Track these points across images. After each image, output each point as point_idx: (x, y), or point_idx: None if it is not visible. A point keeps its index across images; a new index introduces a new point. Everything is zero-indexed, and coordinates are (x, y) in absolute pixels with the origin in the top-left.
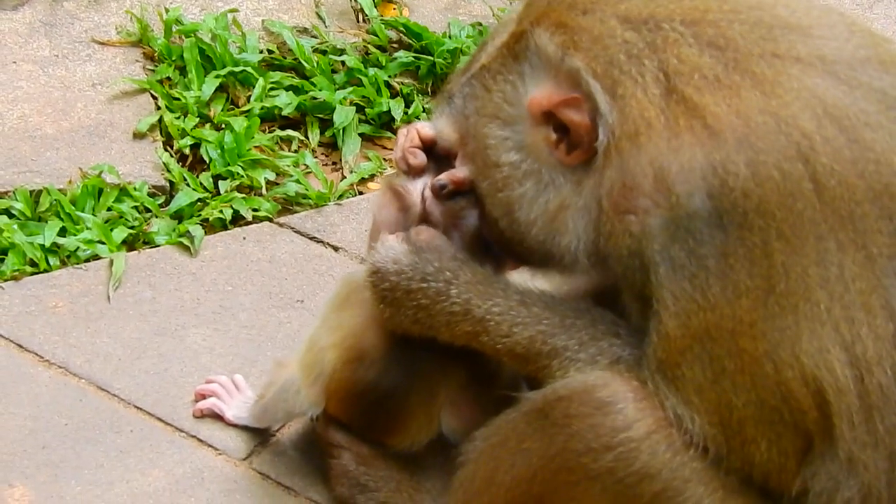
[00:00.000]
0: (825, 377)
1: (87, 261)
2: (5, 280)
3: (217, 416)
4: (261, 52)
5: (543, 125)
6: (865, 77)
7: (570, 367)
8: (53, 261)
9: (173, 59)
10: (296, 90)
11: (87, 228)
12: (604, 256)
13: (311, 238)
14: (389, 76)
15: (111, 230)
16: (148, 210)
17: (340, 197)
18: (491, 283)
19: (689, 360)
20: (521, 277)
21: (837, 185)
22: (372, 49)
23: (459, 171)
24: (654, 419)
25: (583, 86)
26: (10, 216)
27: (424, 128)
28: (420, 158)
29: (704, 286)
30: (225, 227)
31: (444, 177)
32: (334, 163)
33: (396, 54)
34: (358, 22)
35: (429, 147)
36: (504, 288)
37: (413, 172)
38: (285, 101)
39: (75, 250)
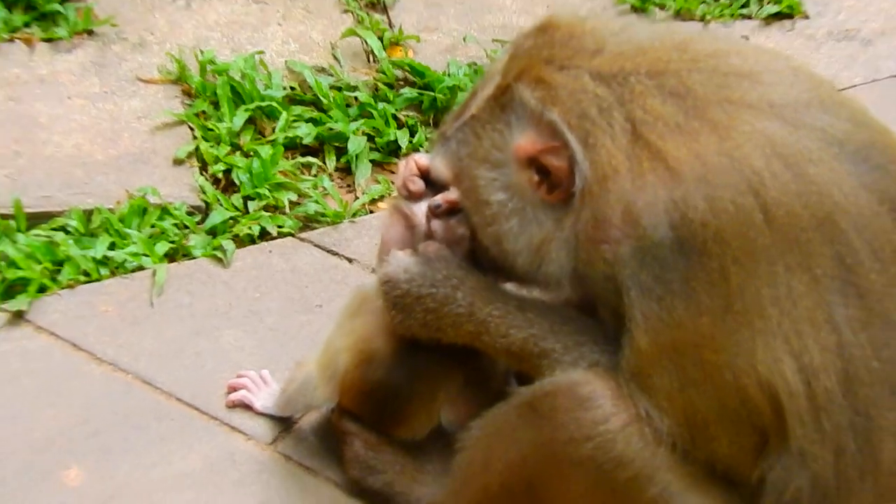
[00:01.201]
0: (778, 382)
1: (133, 271)
2: (62, 288)
3: (246, 407)
4: (284, 88)
5: (527, 169)
6: (808, 118)
7: (556, 367)
8: (104, 271)
9: (208, 94)
10: (315, 122)
11: (133, 243)
12: (583, 280)
13: (329, 251)
14: (396, 110)
15: (154, 244)
16: (186, 227)
17: (354, 215)
18: (492, 289)
19: (659, 371)
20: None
21: (785, 215)
22: (381, 86)
23: (452, 193)
24: (629, 415)
25: (559, 136)
26: (67, 232)
27: (422, 158)
28: (418, 185)
29: (670, 306)
30: (253, 242)
31: (439, 197)
32: (348, 185)
33: (402, 90)
34: (369, 62)
35: (426, 175)
36: (503, 294)
37: (413, 197)
38: (306, 132)
39: (123, 262)
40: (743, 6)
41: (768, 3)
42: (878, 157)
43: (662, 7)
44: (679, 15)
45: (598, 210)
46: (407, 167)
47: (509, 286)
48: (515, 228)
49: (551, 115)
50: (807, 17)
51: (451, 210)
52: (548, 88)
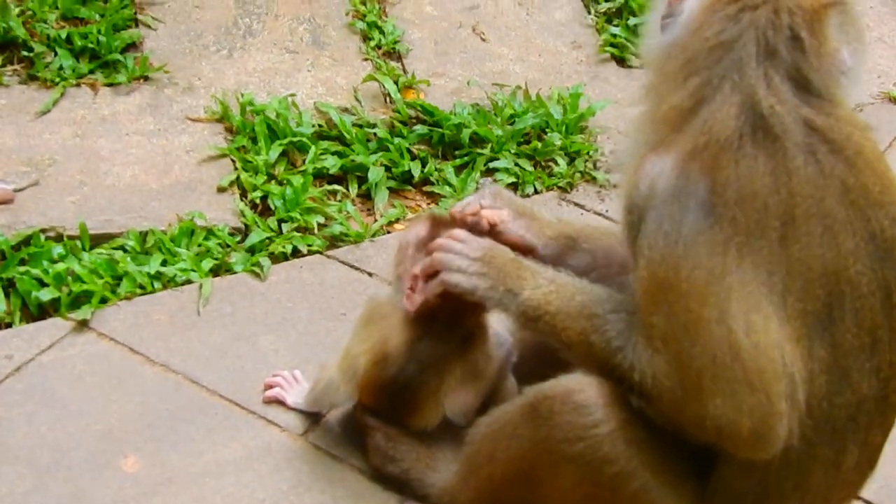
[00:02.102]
0: (777, 356)
1: (182, 285)
2: (121, 300)
3: (281, 402)
4: (313, 126)
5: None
6: (863, 202)
7: (595, 331)
8: (157, 285)
9: (247, 131)
10: (339, 155)
11: (182, 260)
12: (624, 199)
13: (352, 266)
14: (410, 144)
15: (200, 261)
16: (228, 246)
17: (373, 235)
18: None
19: (657, 309)
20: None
21: (801, 248)
22: (397, 124)
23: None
24: (617, 421)
25: None
26: (125, 251)
27: (496, 214)
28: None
29: (673, 245)
30: (286, 259)
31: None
32: (368, 209)
33: (415, 127)
34: (386, 103)
35: (488, 226)
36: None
37: (439, 223)
38: (332, 163)
39: (173, 277)
40: None
41: None
42: (895, 253)
43: (638, 56)
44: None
45: (672, 107)
46: (469, 207)
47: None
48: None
49: None
50: None
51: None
52: None
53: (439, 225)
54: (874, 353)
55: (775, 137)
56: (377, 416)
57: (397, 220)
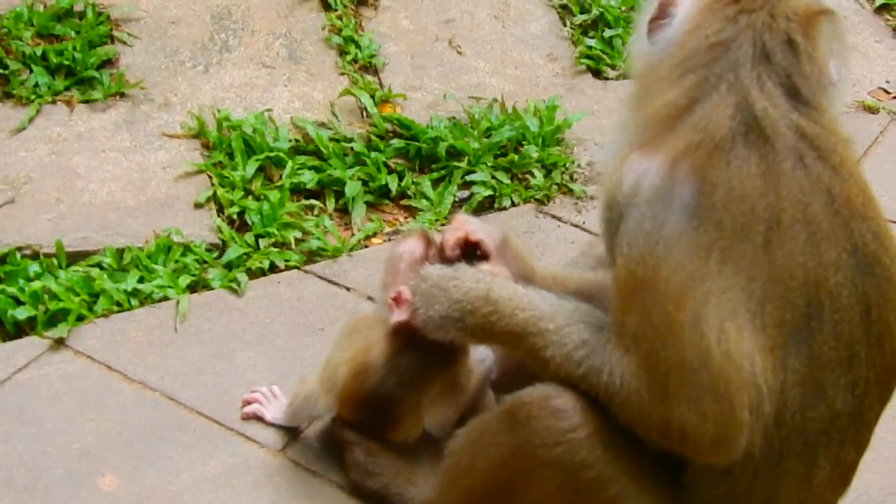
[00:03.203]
0: (746, 366)
1: (159, 301)
2: (97, 317)
3: (259, 418)
4: (290, 141)
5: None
6: (847, 213)
7: (549, 346)
8: (134, 302)
9: (224, 147)
10: (316, 170)
11: (160, 277)
12: (604, 197)
13: (330, 281)
14: (387, 158)
15: (178, 278)
16: (206, 262)
17: (351, 250)
18: (507, 283)
19: (630, 307)
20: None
21: (785, 255)
22: (373, 138)
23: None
24: (594, 426)
25: None
26: (101, 268)
27: (476, 232)
28: (455, 254)
29: (653, 245)
30: (264, 274)
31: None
32: (346, 224)
33: (392, 141)
34: (363, 117)
35: (469, 245)
36: (515, 286)
37: (444, 259)
38: (309, 178)
39: (150, 294)
40: None
41: None
42: (876, 269)
43: (614, 67)
44: (628, 76)
45: (660, 109)
46: (455, 230)
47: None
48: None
49: None
50: None
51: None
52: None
53: (432, 244)
54: (851, 367)
55: (767, 139)
56: (356, 430)
57: (375, 234)
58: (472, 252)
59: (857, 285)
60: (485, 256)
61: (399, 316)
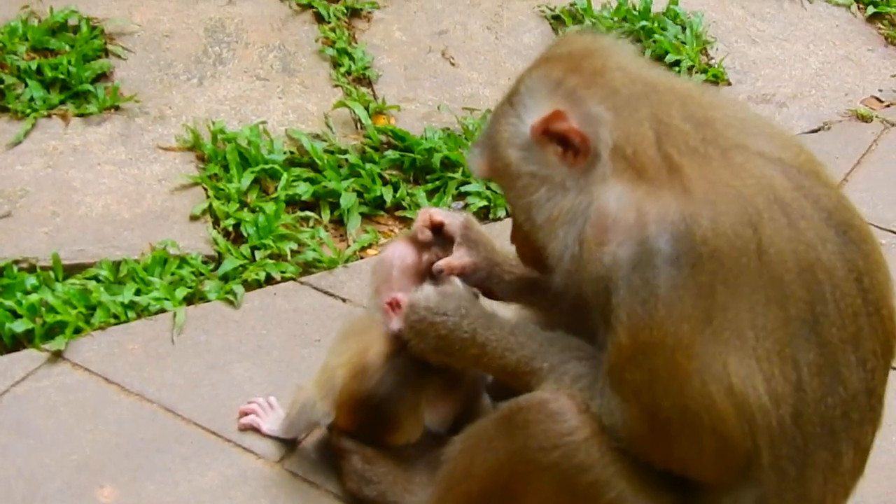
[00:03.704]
0: (751, 394)
1: (156, 314)
2: (95, 330)
3: (256, 430)
4: (284, 153)
5: (548, 143)
6: (807, 182)
7: (543, 382)
8: (131, 314)
9: (219, 159)
10: (311, 181)
11: (156, 289)
12: (578, 276)
13: (325, 292)
14: (381, 169)
15: (174, 290)
16: (202, 274)
17: (346, 261)
18: (491, 318)
19: (633, 366)
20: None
21: (775, 253)
22: (368, 149)
23: (454, 259)
24: (591, 429)
25: (581, 99)
26: (98, 281)
27: (437, 214)
28: (427, 235)
29: (654, 309)
30: (260, 286)
31: (441, 263)
32: (341, 235)
33: (386, 153)
34: (357, 129)
35: (437, 227)
36: (500, 322)
37: (421, 245)
38: (304, 190)
39: (147, 306)
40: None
41: (696, 72)
42: (853, 233)
43: None
44: None
45: (613, 204)
46: (422, 218)
47: (508, 316)
48: (543, 198)
49: (570, 80)
50: (729, 84)
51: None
52: (571, 66)
53: (423, 248)
54: (858, 343)
55: (694, 151)
56: (353, 438)
57: (370, 246)
58: (441, 235)
59: (843, 254)
60: (450, 238)
61: (396, 325)
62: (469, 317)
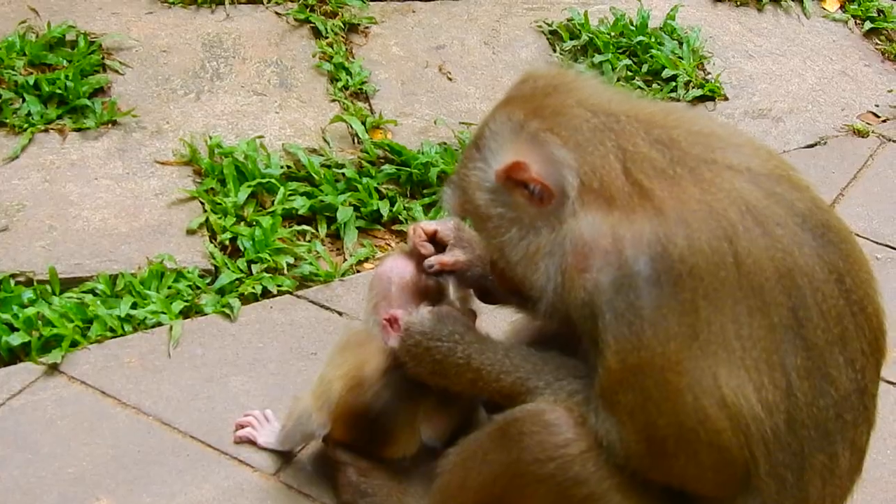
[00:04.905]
0: (743, 405)
1: (152, 327)
2: (91, 343)
3: (252, 442)
4: (281, 167)
5: (515, 187)
6: (779, 189)
7: (539, 399)
8: (127, 328)
9: (216, 174)
10: (308, 195)
11: (153, 302)
12: (564, 303)
13: (322, 306)
14: (378, 184)
15: (171, 303)
16: (198, 288)
17: (343, 275)
18: (485, 342)
19: (625, 388)
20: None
21: (752, 263)
22: (365, 163)
23: (446, 256)
24: (587, 442)
25: (542, 143)
26: (95, 294)
27: (427, 225)
28: (429, 248)
29: (640, 331)
30: (256, 299)
31: (433, 259)
32: (338, 249)
33: (383, 167)
34: (354, 143)
35: (431, 238)
36: (495, 345)
37: (419, 260)
38: (300, 204)
39: (144, 319)
40: (672, 91)
41: (693, 87)
42: (831, 234)
43: None
44: None
45: (588, 233)
46: (416, 234)
47: (501, 338)
48: (516, 238)
49: (533, 125)
50: (726, 99)
51: (441, 271)
52: (533, 108)
53: (420, 263)
54: (846, 343)
55: (661, 171)
56: (349, 450)
57: (367, 260)
58: (436, 244)
59: (822, 256)
60: (444, 244)
61: (393, 342)
62: (463, 342)
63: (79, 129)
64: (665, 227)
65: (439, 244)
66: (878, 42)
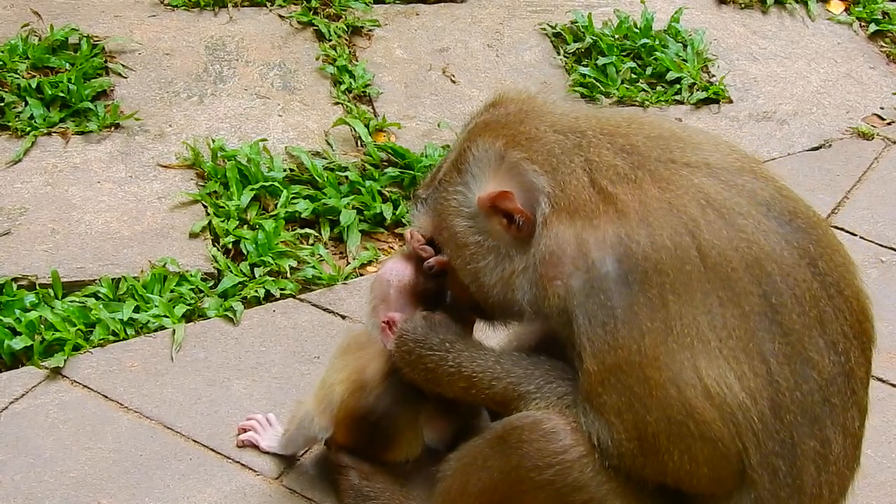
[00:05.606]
0: (728, 394)
1: (155, 331)
2: (94, 347)
3: (254, 446)
4: (284, 170)
5: (494, 215)
6: (740, 181)
7: (531, 405)
8: (130, 331)
9: (219, 177)
10: (311, 199)
11: (155, 306)
12: (543, 313)
13: (325, 309)
14: (382, 187)
15: (173, 307)
16: (201, 291)
17: (346, 278)
18: (476, 349)
19: (608, 389)
20: (494, 340)
21: (717, 255)
22: (368, 167)
23: (443, 256)
24: (585, 448)
25: (523, 173)
26: (97, 298)
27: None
28: (429, 251)
29: (614, 330)
30: (259, 303)
31: (432, 261)
32: (341, 253)
33: (386, 170)
34: (357, 146)
35: (429, 241)
36: (485, 352)
37: (418, 263)
38: (304, 207)
39: (146, 323)
40: (676, 94)
41: (698, 90)
42: (799, 221)
43: (607, 95)
44: (622, 102)
45: (556, 243)
46: (413, 237)
47: (491, 344)
48: (492, 264)
49: (514, 154)
50: (731, 102)
51: (441, 271)
52: (510, 136)
53: (419, 265)
54: (824, 327)
55: (624, 176)
56: (351, 454)
57: (370, 263)
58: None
59: (790, 242)
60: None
61: (391, 345)
62: (454, 350)
63: (81, 133)
64: (627, 227)
65: (438, 246)
66: (883, 44)
